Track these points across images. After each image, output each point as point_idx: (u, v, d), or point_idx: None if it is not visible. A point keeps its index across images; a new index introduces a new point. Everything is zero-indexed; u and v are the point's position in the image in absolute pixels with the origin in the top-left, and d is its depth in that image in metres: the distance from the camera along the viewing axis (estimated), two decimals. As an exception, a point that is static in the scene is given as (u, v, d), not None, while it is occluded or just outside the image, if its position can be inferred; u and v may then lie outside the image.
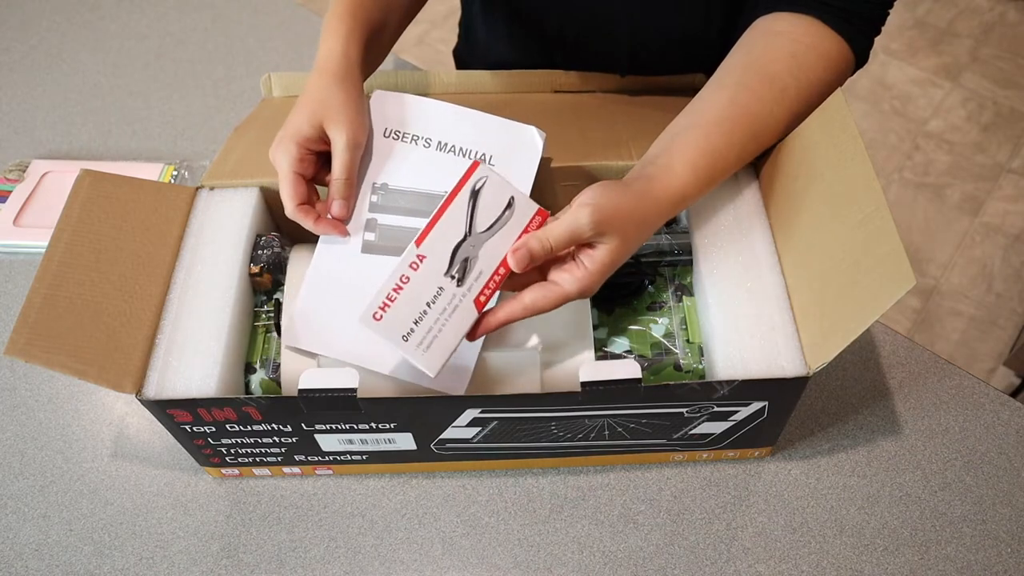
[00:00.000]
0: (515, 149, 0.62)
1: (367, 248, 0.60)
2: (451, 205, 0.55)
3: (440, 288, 0.53)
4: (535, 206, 0.57)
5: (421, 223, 0.55)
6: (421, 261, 0.53)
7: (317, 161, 0.60)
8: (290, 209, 0.57)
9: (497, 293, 0.55)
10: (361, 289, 0.55)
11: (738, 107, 0.58)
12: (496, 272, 0.55)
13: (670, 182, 0.56)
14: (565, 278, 0.53)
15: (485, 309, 0.54)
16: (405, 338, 0.51)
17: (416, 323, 0.52)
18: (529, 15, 0.78)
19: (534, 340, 0.59)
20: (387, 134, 0.62)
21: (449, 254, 0.54)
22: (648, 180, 0.56)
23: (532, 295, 0.53)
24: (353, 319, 0.51)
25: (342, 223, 0.59)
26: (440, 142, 0.62)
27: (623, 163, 0.64)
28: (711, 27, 0.73)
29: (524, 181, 0.61)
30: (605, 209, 0.52)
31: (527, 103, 0.73)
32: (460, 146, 0.62)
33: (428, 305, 0.52)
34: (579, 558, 0.60)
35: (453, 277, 0.53)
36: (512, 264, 0.53)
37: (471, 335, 0.54)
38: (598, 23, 0.74)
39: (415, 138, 0.62)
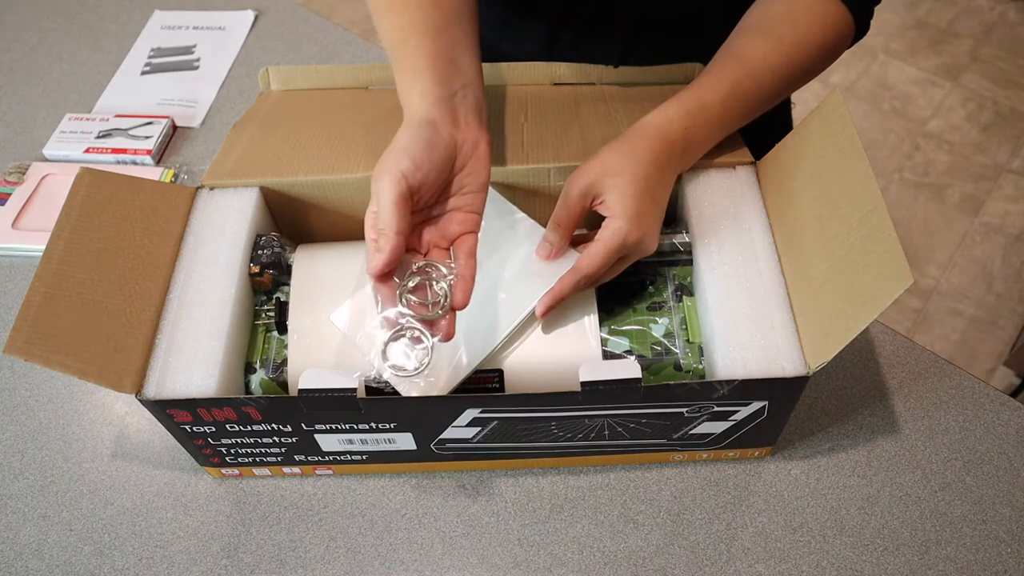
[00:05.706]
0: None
1: None
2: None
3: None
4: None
5: None
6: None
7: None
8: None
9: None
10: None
11: (730, 54, 0.61)
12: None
13: (657, 114, 0.59)
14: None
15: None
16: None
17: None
18: (527, 2, 0.77)
19: (538, 337, 0.59)
20: None
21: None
22: (635, 125, 0.60)
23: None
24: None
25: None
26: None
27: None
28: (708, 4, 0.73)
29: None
30: (582, 168, 0.57)
31: (526, 95, 0.73)
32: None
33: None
34: (579, 558, 0.60)
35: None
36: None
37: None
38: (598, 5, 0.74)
39: None
